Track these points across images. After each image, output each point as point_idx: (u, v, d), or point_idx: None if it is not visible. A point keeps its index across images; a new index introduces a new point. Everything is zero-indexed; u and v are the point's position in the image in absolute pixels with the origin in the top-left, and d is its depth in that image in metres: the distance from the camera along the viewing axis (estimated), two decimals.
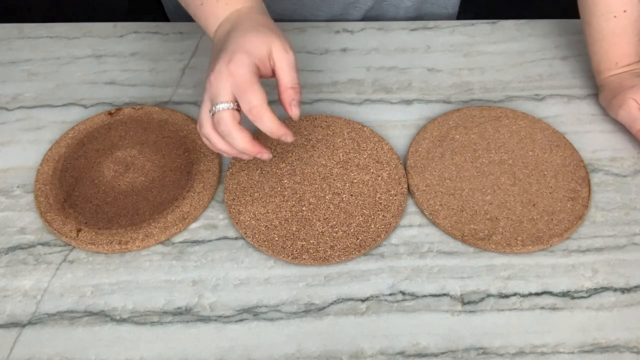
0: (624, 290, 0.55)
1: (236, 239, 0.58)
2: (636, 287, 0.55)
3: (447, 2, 0.86)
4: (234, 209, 0.59)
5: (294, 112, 0.54)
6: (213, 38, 0.59)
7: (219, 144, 0.54)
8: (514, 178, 0.62)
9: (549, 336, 0.51)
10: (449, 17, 0.88)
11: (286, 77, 0.54)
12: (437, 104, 0.70)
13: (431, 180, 0.61)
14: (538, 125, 0.67)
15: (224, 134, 0.53)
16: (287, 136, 0.53)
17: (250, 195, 0.60)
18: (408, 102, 0.71)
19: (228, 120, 0.52)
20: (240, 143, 0.53)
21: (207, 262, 0.56)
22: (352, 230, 0.57)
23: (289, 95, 0.54)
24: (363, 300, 0.54)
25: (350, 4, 0.83)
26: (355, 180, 0.61)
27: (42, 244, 0.57)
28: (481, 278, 0.55)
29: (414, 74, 0.74)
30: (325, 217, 0.58)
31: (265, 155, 0.54)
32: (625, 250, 0.57)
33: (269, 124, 0.52)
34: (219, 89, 0.52)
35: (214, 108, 0.53)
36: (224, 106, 0.52)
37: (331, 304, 0.53)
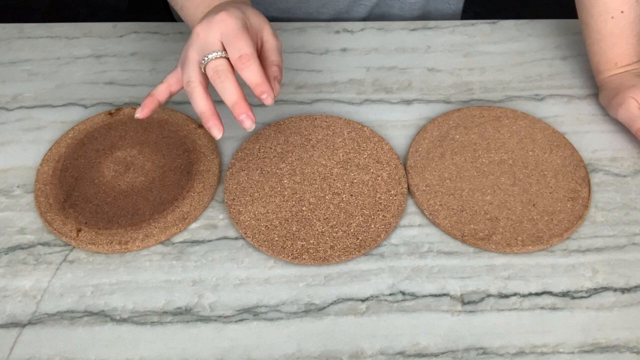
0: (624, 290, 0.55)
1: (236, 239, 0.58)
2: (636, 287, 0.55)
3: None
4: (234, 209, 0.59)
5: (276, 88, 0.53)
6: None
7: (200, 102, 0.51)
8: (514, 178, 0.62)
9: (549, 336, 0.51)
10: (453, 14, 0.88)
11: (273, 55, 0.54)
12: (437, 104, 0.70)
13: (431, 180, 0.61)
14: (538, 125, 0.67)
15: (218, 83, 0.50)
16: (269, 97, 0.50)
17: (250, 195, 0.60)
18: (408, 102, 0.71)
19: (225, 67, 0.50)
20: (233, 93, 0.50)
21: (207, 262, 0.56)
22: (352, 230, 0.57)
23: (273, 71, 0.53)
24: (363, 300, 0.54)
25: (356, 0, 0.83)
26: (355, 180, 0.61)
27: (42, 244, 0.57)
28: (481, 278, 0.55)
29: (414, 74, 0.74)
30: (325, 217, 0.58)
31: (248, 122, 0.50)
32: (625, 250, 0.57)
33: (257, 73, 0.50)
34: (209, 37, 0.51)
35: (205, 59, 0.51)
36: (217, 54, 0.50)
37: (331, 304, 0.53)
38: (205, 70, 0.52)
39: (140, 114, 0.54)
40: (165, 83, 0.55)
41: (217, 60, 0.51)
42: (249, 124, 0.50)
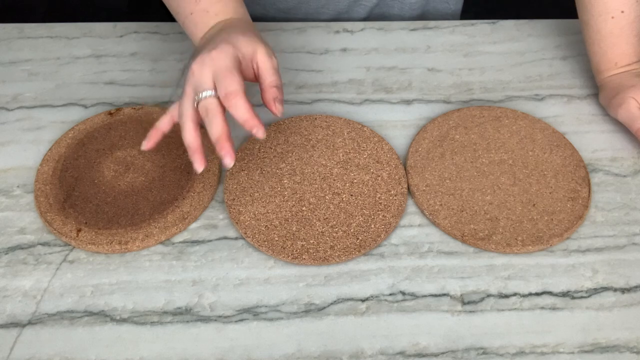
0: (624, 290, 0.55)
1: (236, 239, 0.58)
2: (636, 287, 0.55)
3: None
4: (234, 209, 0.59)
5: (278, 108, 0.54)
6: (198, 43, 0.60)
7: (188, 136, 0.54)
8: (514, 178, 0.62)
9: (549, 336, 0.51)
10: (452, 14, 0.88)
11: (269, 77, 0.55)
12: (437, 104, 0.70)
13: (431, 180, 0.61)
14: (538, 125, 0.67)
15: (207, 121, 0.53)
16: (259, 130, 0.52)
17: (250, 195, 0.60)
18: (408, 102, 0.71)
19: (214, 106, 0.53)
20: (217, 131, 0.52)
21: (207, 262, 0.56)
22: (352, 230, 0.57)
23: (272, 93, 0.55)
24: (363, 300, 0.54)
25: (356, 0, 0.83)
26: (355, 180, 0.61)
27: (42, 244, 0.57)
28: (481, 278, 0.55)
29: (414, 74, 0.74)
30: (325, 217, 0.58)
31: (228, 158, 0.52)
32: (625, 250, 0.57)
33: (242, 111, 0.52)
34: (202, 76, 0.53)
35: (198, 96, 0.53)
36: (209, 93, 0.53)
37: (331, 304, 0.53)
38: (197, 107, 0.54)
39: (145, 146, 0.57)
40: (169, 115, 0.57)
41: (207, 100, 0.53)
42: (228, 161, 0.52)
